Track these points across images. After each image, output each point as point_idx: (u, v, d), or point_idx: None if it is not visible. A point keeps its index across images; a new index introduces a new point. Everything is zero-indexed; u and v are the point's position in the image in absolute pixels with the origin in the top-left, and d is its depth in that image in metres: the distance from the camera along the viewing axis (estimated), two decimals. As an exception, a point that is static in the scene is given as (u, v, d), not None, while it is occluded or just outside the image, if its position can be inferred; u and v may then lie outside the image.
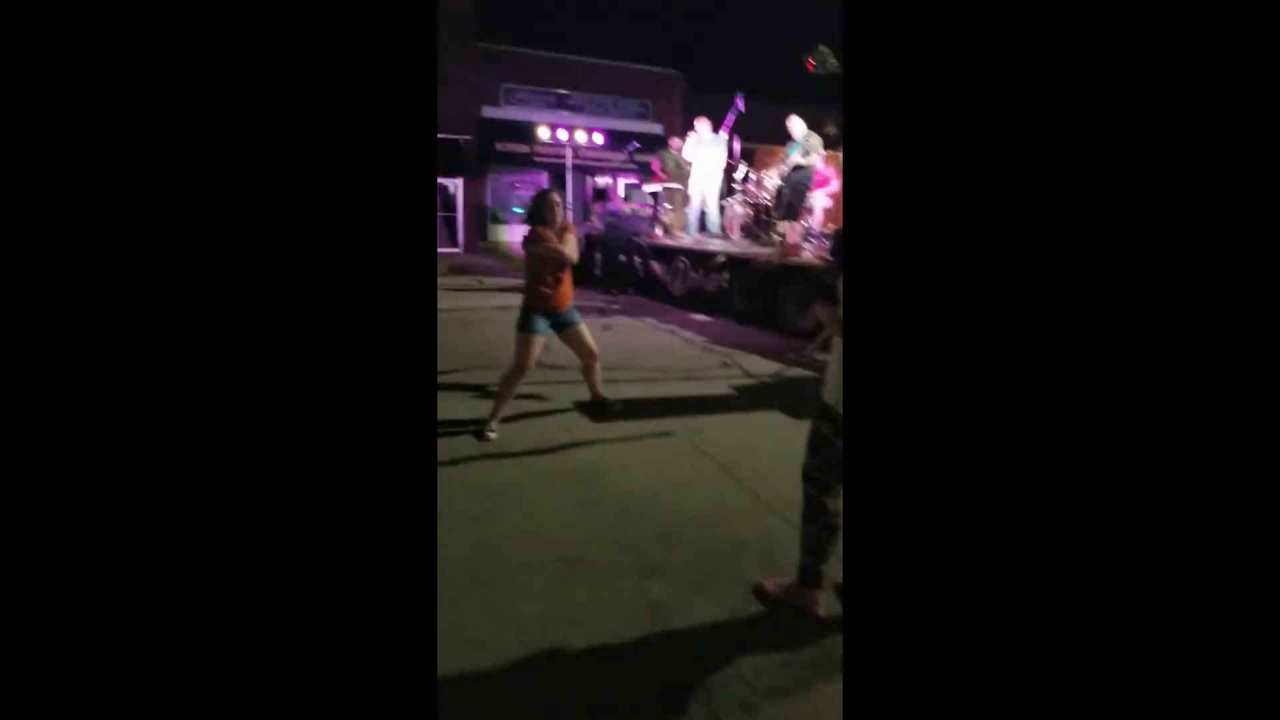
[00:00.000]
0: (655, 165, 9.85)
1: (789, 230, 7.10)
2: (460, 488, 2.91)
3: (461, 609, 2.05)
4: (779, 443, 3.44)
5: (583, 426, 3.75)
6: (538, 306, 3.67)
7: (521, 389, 3.91)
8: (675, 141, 9.66)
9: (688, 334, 6.75)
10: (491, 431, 3.56)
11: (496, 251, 15.97)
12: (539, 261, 3.63)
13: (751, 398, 4.49)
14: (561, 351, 4.05)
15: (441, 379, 4.60)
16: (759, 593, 2.17)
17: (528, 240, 3.65)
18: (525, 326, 3.65)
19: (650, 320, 7.46)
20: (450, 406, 4.01)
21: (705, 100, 12.76)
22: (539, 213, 3.63)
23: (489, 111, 16.50)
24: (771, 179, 8.25)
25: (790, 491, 2.33)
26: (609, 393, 4.06)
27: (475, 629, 1.97)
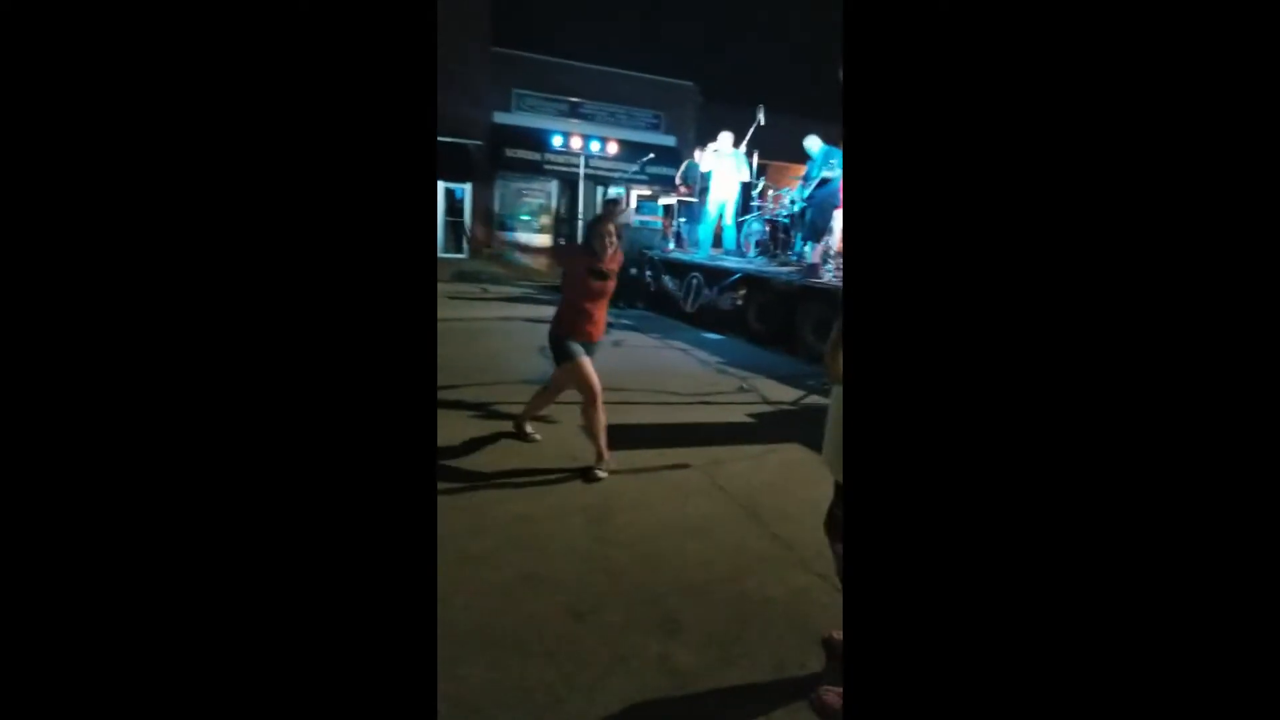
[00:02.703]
0: (679, 179, 9.69)
1: (812, 251, 6.89)
2: (460, 521, 2.67)
3: (461, 670, 1.81)
4: (804, 483, 3.21)
5: (591, 453, 3.51)
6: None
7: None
8: (700, 154, 9.47)
9: (701, 354, 6.52)
10: (601, 471, 3.23)
11: (503, 258, 15.77)
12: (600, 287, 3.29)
13: (772, 427, 4.25)
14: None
15: (443, 395, 4.37)
16: (828, 644, 2.03)
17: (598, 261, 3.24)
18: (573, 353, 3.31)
19: (660, 337, 7.24)
20: (452, 426, 3.77)
21: (719, 114, 12.56)
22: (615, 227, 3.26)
23: (500, 117, 16.34)
24: (791, 196, 8.04)
25: (819, 541, 2.14)
26: (623, 416, 3.80)
27: (476, 695, 1.73)
